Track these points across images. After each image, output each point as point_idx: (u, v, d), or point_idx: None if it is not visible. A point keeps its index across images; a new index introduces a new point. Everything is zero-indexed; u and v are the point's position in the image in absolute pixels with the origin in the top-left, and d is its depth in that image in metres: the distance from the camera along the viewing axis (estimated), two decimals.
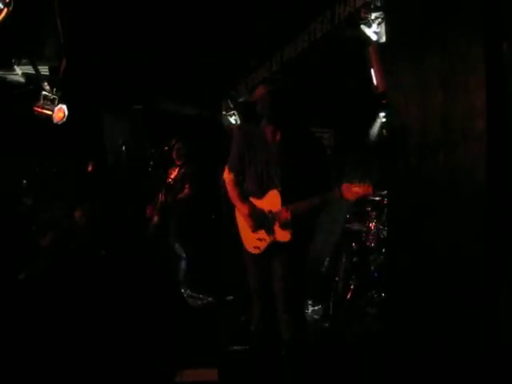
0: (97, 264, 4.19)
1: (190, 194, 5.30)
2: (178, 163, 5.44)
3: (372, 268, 4.35)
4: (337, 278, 4.77)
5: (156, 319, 3.47)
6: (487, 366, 1.74)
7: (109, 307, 3.59)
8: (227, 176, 3.05)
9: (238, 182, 3.03)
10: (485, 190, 1.77)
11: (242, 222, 2.98)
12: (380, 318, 3.34)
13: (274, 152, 2.84)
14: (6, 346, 2.99)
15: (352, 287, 4.51)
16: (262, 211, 2.87)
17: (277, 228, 2.81)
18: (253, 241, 2.92)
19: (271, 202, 2.86)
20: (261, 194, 2.91)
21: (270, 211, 2.84)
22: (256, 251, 2.90)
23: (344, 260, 4.73)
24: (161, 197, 5.32)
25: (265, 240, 2.85)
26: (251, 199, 2.94)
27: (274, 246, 2.82)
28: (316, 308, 4.70)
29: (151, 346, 3.33)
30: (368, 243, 4.57)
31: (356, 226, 5.00)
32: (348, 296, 4.49)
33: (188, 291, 5.31)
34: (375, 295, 4.23)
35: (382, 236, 4.42)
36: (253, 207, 2.89)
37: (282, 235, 2.79)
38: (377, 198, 4.69)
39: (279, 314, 2.82)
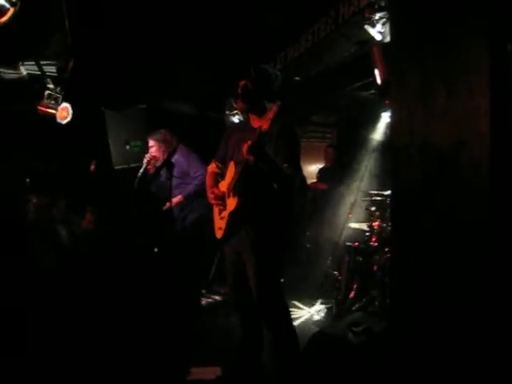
0: (107, 262, 4.19)
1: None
2: None
3: (375, 267, 4.35)
4: (340, 277, 4.79)
5: (162, 318, 3.48)
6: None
7: (115, 306, 3.61)
8: (210, 166, 3.14)
9: (215, 173, 3.07)
10: (488, 189, 1.78)
11: (215, 211, 2.99)
12: (383, 318, 3.34)
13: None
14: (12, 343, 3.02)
15: (355, 286, 4.53)
16: (222, 192, 2.89)
17: (227, 200, 2.82)
18: (218, 223, 2.92)
19: (229, 175, 2.85)
20: (224, 172, 2.94)
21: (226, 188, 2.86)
22: (220, 233, 2.88)
23: (347, 259, 4.74)
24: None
25: (224, 217, 2.83)
26: (219, 184, 2.97)
27: (233, 224, 2.78)
28: (319, 307, 4.72)
29: (157, 345, 3.34)
30: (371, 242, 4.58)
31: (359, 225, 5.02)
32: (351, 295, 4.51)
33: (204, 291, 5.30)
34: (378, 295, 4.23)
35: (386, 235, 4.43)
36: (216, 192, 2.90)
37: (231, 204, 2.77)
38: (380, 198, 4.70)
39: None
